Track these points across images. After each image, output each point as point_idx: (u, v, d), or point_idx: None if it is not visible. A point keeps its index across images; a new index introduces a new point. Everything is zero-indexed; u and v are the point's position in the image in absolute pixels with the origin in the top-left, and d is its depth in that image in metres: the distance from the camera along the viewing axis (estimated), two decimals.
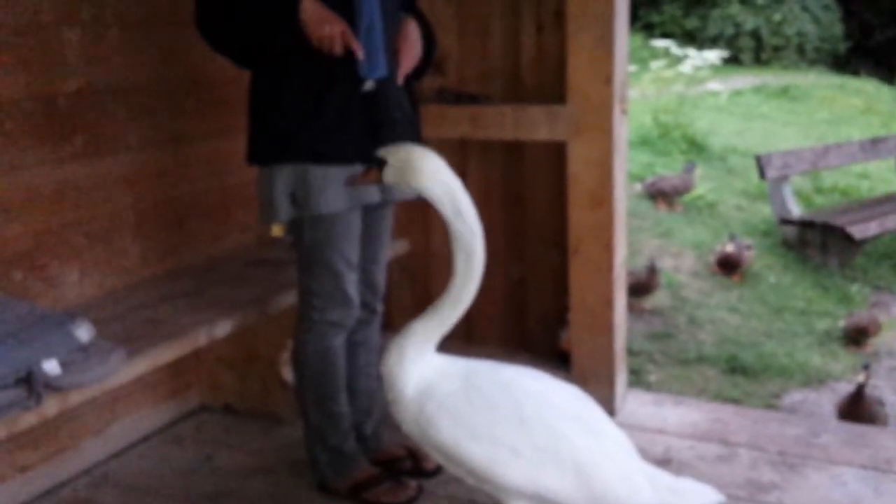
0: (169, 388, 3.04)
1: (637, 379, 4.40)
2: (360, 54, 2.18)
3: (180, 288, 2.80)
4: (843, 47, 14.97)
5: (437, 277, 3.45)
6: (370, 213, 2.45)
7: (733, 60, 13.10)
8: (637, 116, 8.22)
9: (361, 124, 2.27)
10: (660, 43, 10.91)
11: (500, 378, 1.87)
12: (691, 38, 13.41)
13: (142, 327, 2.45)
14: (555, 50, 3.07)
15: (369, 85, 2.28)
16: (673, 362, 4.77)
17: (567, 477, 1.77)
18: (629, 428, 2.66)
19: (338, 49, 2.15)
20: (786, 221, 6.55)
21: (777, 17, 13.87)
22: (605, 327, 2.94)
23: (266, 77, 2.31)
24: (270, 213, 2.33)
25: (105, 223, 2.75)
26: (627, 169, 3.16)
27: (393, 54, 2.29)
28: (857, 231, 6.10)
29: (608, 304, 2.91)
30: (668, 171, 7.36)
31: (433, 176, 1.83)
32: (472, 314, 3.31)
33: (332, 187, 2.26)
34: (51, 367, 1.98)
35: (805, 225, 6.43)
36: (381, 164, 1.87)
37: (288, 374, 2.86)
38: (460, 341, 3.30)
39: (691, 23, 14.00)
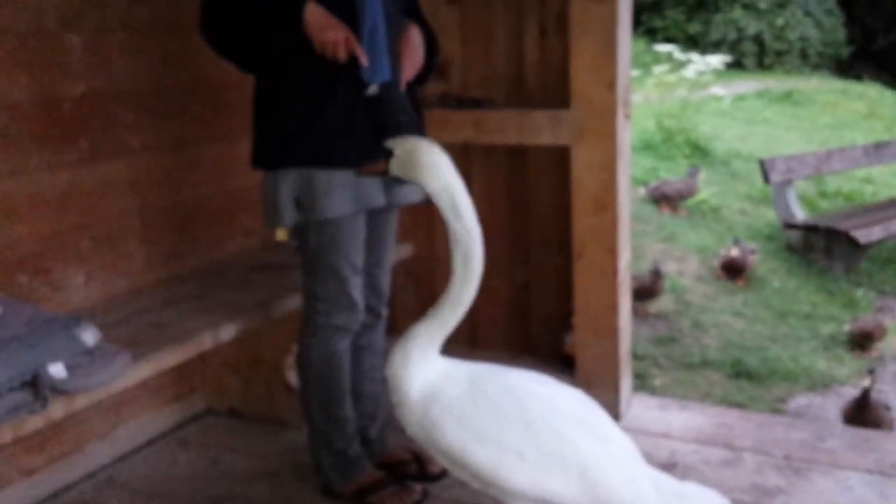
0: (174, 392, 3.04)
1: (642, 383, 4.39)
2: (364, 60, 2.18)
3: (185, 292, 2.80)
4: (845, 52, 14.96)
5: (441, 281, 3.42)
6: (375, 218, 2.45)
7: (736, 65, 13.09)
8: (640, 121, 8.22)
9: (366, 129, 2.28)
10: (663, 48, 10.90)
11: (506, 382, 1.87)
12: (694, 43, 13.41)
13: (147, 331, 2.46)
14: (558, 55, 3.07)
15: (373, 89, 2.28)
16: (678, 366, 4.77)
17: (572, 481, 1.77)
18: (634, 432, 2.65)
19: (342, 55, 2.15)
20: (790, 226, 6.55)
21: (780, 21, 13.86)
22: (610, 331, 2.93)
23: (270, 82, 2.31)
24: (275, 217, 2.33)
25: (110, 227, 2.75)
26: (631, 173, 3.16)
27: (396, 59, 2.30)
28: (862, 235, 6.09)
29: (612, 308, 2.91)
30: (671, 175, 7.36)
31: (435, 171, 1.83)
32: (476, 318, 3.35)
33: (337, 191, 2.27)
34: (56, 370, 1.98)
35: (809, 229, 6.43)
36: (389, 155, 1.87)
37: (293, 377, 2.86)
38: (464, 345, 3.31)
39: (694, 27, 14.00)
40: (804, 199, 7.26)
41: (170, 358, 2.36)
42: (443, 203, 1.84)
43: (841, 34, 14.90)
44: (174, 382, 3.02)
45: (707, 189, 7.21)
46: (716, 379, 4.65)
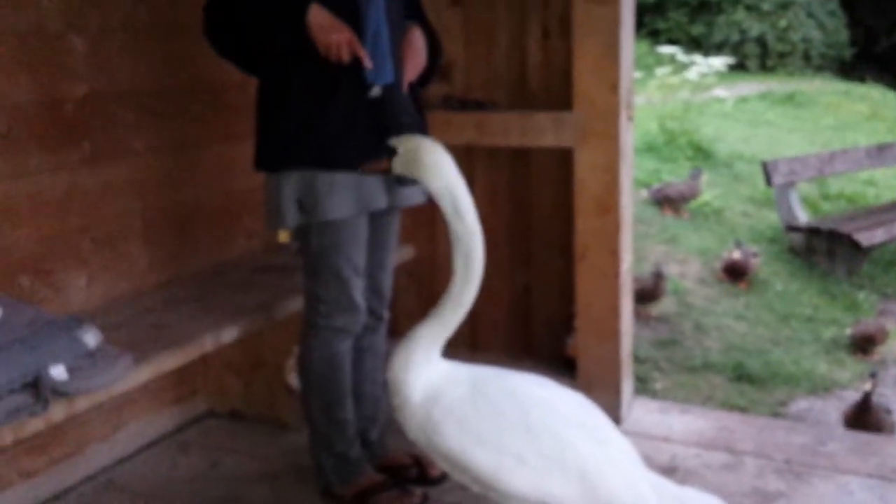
0: (175, 394, 3.04)
1: (643, 386, 4.39)
2: (368, 62, 2.18)
3: (187, 294, 2.80)
4: (848, 54, 14.94)
5: (442, 283, 3.39)
6: (377, 219, 2.45)
7: (739, 67, 13.08)
8: (643, 123, 8.22)
9: (368, 130, 2.27)
10: (665, 49, 10.88)
11: (507, 385, 1.86)
12: (697, 45, 13.40)
13: (148, 333, 2.46)
14: (561, 57, 3.07)
15: (376, 91, 2.28)
16: (679, 370, 4.76)
17: (572, 485, 1.76)
18: (635, 436, 2.65)
19: (345, 56, 2.15)
20: (792, 228, 6.54)
21: (782, 23, 13.84)
22: (611, 334, 2.93)
23: (273, 83, 2.31)
24: (277, 219, 2.33)
25: (112, 229, 2.75)
26: (633, 175, 3.15)
27: (399, 61, 2.29)
28: (864, 238, 6.08)
29: (614, 310, 2.91)
30: (674, 177, 7.35)
31: (437, 170, 1.83)
32: (478, 320, 3.35)
33: (339, 193, 2.26)
34: (58, 372, 1.98)
35: (812, 232, 6.42)
36: (392, 153, 1.87)
37: (294, 380, 2.86)
38: (465, 347, 3.31)
39: (697, 29, 13.99)
40: (807, 202, 7.25)
41: (171, 360, 2.36)
42: (444, 202, 1.84)
43: (844, 36, 14.88)
44: (175, 384, 3.02)
45: (709, 191, 7.20)
46: (717, 382, 4.64)
